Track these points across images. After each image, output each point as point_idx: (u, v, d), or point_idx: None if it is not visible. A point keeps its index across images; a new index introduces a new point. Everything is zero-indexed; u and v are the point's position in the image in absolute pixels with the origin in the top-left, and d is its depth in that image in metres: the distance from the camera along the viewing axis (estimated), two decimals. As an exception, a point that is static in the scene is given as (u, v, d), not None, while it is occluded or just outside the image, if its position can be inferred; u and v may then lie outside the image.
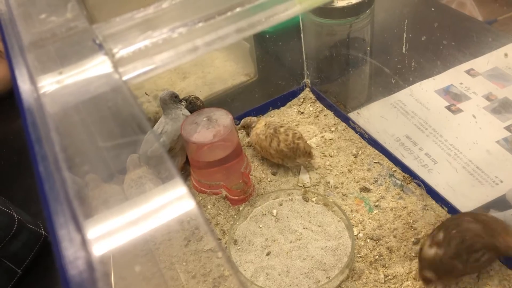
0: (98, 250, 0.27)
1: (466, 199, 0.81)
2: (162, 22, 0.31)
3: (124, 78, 0.29)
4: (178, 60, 0.30)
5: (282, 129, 0.88)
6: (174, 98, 0.87)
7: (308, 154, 0.88)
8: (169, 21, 0.31)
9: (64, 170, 0.23)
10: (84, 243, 0.23)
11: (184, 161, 0.93)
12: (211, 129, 0.86)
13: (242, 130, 0.97)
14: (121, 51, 0.29)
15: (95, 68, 0.29)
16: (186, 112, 0.89)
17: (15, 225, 0.80)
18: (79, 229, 0.24)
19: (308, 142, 0.95)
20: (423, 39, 0.92)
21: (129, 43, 0.30)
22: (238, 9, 0.31)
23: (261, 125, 0.91)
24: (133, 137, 0.28)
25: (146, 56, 0.29)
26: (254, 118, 0.95)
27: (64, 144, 0.24)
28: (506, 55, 1.00)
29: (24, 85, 0.28)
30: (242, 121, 0.96)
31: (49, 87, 0.28)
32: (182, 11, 0.32)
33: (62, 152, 0.24)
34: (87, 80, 0.28)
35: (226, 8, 0.31)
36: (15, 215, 0.81)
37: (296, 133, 0.88)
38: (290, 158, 0.88)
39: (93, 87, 0.28)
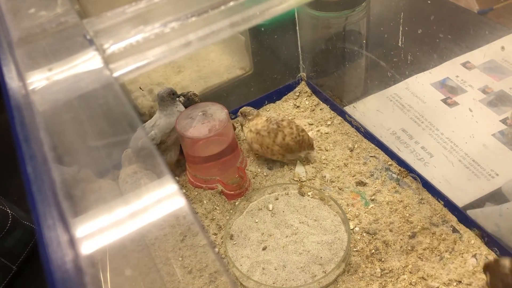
0: (91, 248, 0.27)
1: (462, 193, 0.81)
2: (154, 17, 0.30)
3: (115, 74, 0.28)
4: (171, 56, 0.29)
5: (284, 123, 0.87)
6: (172, 95, 0.86)
7: (311, 146, 0.89)
8: (162, 16, 0.30)
9: (54, 171, 0.22)
10: (73, 244, 0.22)
11: (178, 156, 0.92)
12: (206, 124, 0.86)
13: (239, 115, 0.93)
14: (112, 47, 0.29)
15: (85, 64, 0.28)
16: (182, 108, 0.88)
17: (9, 222, 0.79)
18: (69, 229, 0.24)
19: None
20: (419, 32, 0.91)
21: (120, 38, 0.29)
22: (231, 3, 0.31)
23: (262, 120, 0.89)
24: (124, 135, 0.28)
25: (138, 51, 0.29)
26: (253, 111, 0.92)
27: (54, 143, 0.24)
28: (503, 48, 1.00)
29: (12, 82, 0.28)
30: (242, 109, 0.93)
31: (38, 84, 0.27)
32: (175, 5, 0.31)
33: (51, 151, 0.23)
34: (77, 76, 0.27)
35: (220, 2, 0.30)
36: (9, 212, 0.80)
37: (299, 126, 0.88)
38: (294, 151, 0.88)
39: (83, 84, 0.27)
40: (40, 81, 0.28)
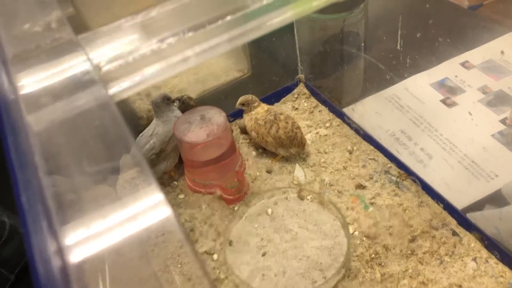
0: (88, 257, 0.26)
1: (462, 195, 0.81)
2: (151, 32, 0.30)
3: (112, 92, 0.28)
4: (168, 72, 0.28)
5: (282, 117, 0.89)
6: (166, 100, 0.86)
7: (302, 145, 0.90)
8: (158, 31, 0.30)
9: (49, 198, 0.22)
10: (69, 253, 0.22)
11: (177, 162, 0.92)
12: (204, 128, 0.85)
13: (240, 107, 0.93)
14: (109, 65, 0.28)
15: (81, 83, 0.27)
16: (178, 113, 0.88)
17: (6, 231, 0.79)
18: (65, 238, 0.23)
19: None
20: (417, 33, 0.91)
21: (116, 55, 0.28)
22: (229, 17, 0.30)
23: (263, 110, 0.90)
24: (119, 158, 0.27)
25: (134, 69, 0.28)
26: (255, 98, 0.92)
27: (49, 167, 0.23)
28: (502, 52, 0.99)
29: (5, 102, 0.27)
30: (242, 98, 0.91)
31: (33, 103, 0.27)
32: (172, 20, 0.31)
33: (46, 177, 0.23)
34: (73, 96, 0.27)
35: (217, 17, 0.30)
36: (6, 220, 0.80)
37: (295, 122, 0.90)
38: (285, 146, 0.89)
39: (79, 104, 0.26)
40: (35, 101, 0.27)
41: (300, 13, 0.32)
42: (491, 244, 0.72)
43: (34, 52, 0.30)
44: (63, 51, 0.30)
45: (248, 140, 0.99)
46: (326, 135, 0.96)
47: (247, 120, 0.92)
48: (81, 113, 0.27)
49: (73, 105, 0.27)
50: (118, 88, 0.28)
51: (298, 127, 0.89)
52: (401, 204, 0.81)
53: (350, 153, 0.92)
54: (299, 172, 0.89)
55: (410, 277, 0.71)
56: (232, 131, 0.98)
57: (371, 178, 0.86)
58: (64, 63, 0.29)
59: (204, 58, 0.29)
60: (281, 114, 0.90)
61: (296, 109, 1.04)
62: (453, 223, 0.77)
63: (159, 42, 0.29)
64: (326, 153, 0.93)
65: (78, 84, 0.28)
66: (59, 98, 0.28)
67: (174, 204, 0.89)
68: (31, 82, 0.29)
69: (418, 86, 1.02)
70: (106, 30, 0.31)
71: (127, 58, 0.29)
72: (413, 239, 0.76)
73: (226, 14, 0.30)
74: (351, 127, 0.96)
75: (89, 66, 0.28)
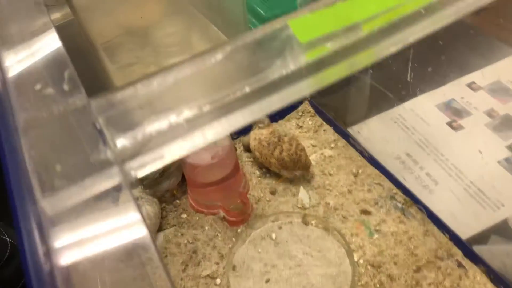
0: (89, 279, 0.26)
1: (468, 225, 0.80)
2: (166, 104, 0.29)
3: (126, 169, 0.27)
4: (186, 149, 0.28)
5: (286, 138, 0.88)
6: None
7: (307, 168, 0.89)
8: (174, 103, 0.29)
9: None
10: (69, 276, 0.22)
11: (180, 180, 0.91)
12: (208, 150, 0.84)
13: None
14: (123, 140, 0.27)
15: (95, 162, 0.27)
16: (183, 132, 0.87)
17: (8, 250, 0.78)
18: (62, 259, 0.23)
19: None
20: (423, 52, 0.90)
21: (132, 131, 0.27)
22: (247, 89, 0.29)
23: (267, 131, 0.89)
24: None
25: (150, 147, 0.27)
26: (265, 119, 0.90)
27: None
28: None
29: (18, 188, 0.26)
30: None
31: (44, 188, 0.26)
32: (188, 91, 0.30)
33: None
34: (86, 178, 0.26)
35: (235, 89, 0.29)
36: (8, 240, 0.79)
37: (299, 144, 0.89)
38: (289, 168, 0.88)
39: (91, 188, 0.26)
40: (47, 184, 0.26)
41: (318, 83, 0.32)
42: (497, 279, 0.72)
43: (46, 119, 0.29)
44: (76, 119, 0.29)
45: (251, 159, 0.98)
46: (331, 156, 0.95)
47: (252, 139, 0.92)
48: (93, 197, 0.26)
49: (85, 192, 0.26)
50: (133, 167, 0.27)
51: (303, 149, 0.89)
52: (406, 232, 0.81)
53: (355, 176, 0.91)
54: (304, 195, 0.89)
55: (415, 310, 0.71)
56: (236, 149, 0.97)
57: (376, 203, 0.86)
58: (78, 137, 0.28)
59: (223, 134, 0.29)
60: (285, 135, 0.89)
61: (301, 127, 1.03)
62: (458, 254, 0.77)
63: (176, 116, 0.28)
64: (331, 175, 0.92)
65: (93, 166, 0.27)
66: (73, 182, 0.27)
67: (177, 223, 0.88)
68: (43, 163, 0.28)
69: (424, 107, 1.02)
70: (120, 97, 0.30)
71: (143, 134, 0.28)
72: (418, 269, 0.75)
73: (244, 85, 0.29)
74: (356, 149, 0.95)
75: (102, 142, 0.27)
